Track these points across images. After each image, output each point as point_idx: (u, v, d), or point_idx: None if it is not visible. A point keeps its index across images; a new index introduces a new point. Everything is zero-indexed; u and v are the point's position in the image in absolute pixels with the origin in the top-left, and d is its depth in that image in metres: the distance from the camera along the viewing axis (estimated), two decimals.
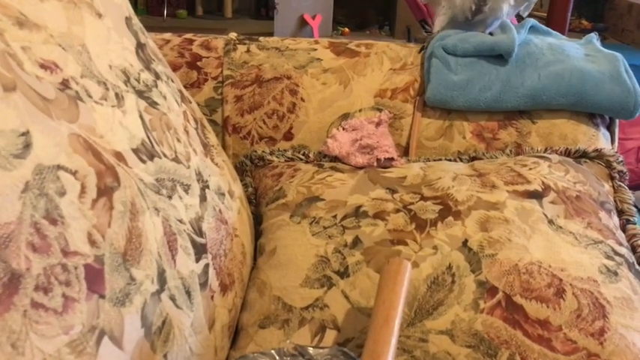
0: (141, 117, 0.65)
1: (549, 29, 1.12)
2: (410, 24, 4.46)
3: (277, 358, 0.49)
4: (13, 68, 0.50)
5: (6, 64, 0.50)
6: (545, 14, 2.40)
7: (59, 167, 0.49)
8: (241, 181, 0.93)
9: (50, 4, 0.61)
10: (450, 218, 0.75)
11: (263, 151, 0.98)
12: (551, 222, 0.76)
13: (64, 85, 0.55)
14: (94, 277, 0.48)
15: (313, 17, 4.88)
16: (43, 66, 0.55)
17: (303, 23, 4.86)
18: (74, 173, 0.50)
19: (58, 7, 0.62)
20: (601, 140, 0.99)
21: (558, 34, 1.12)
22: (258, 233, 0.85)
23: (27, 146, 0.47)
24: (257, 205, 0.92)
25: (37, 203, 0.45)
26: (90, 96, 0.58)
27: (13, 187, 0.44)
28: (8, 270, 0.41)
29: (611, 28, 5.18)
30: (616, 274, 0.70)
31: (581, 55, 1.03)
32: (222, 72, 1.01)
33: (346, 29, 5.07)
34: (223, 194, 0.77)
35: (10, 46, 0.52)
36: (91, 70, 0.61)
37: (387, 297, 0.55)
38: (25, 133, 0.47)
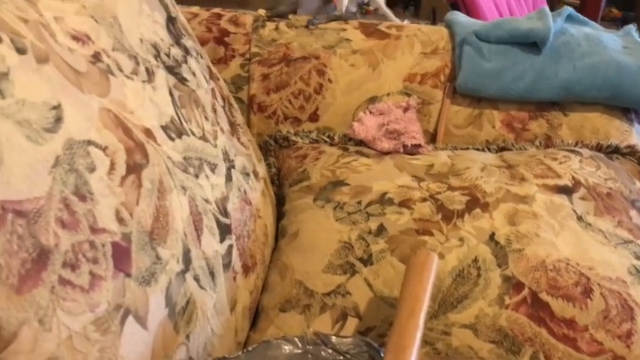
0: (170, 93, 0.64)
1: (586, 19, 1.09)
2: (435, 5, 4.39)
3: (300, 345, 0.48)
4: (46, 39, 0.49)
5: (39, 35, 0.49)
6: (578, 1, 2.34)
7: (89, 142, 0.48)
8: (265, 160, 0.92)
9: None
10: (478, 210, 0.74)
11: (288, 132, 0.97)
12: (580, 219, 0.75)
13: (96, 58, 0.55)
14: (121, 255, 0.48)
15: None
16: (75, 37, 0.54)
17: (327, 0, 4.81)
18: (104, 149, 0.49)
19: None
20: (634, 136, 0.97)
21: (595, 24, 1.09)
22: (280, 214, 0.85)
23: (58, 120, 0.46)
24: (280, 185, 0.91)
25: (66, 179, 0.45)
26: (121, 70, 0.57)
27: (44, 161, 0.43)
28: (37, 245, 0.41)
29: None
30: None
31: (619, 48, 1.00)
32: (249, 49, 0.99)
33: (370, 8, 5.01)
34: (248, 174, 0.76)
35: (43, 15, 0.51)
36: (122, 44, 0.60)
37: (414, 290, 0.54)
38: (57, 107, 0.46)
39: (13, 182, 0.40)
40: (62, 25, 0.53)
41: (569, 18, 1.07)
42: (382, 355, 0.49)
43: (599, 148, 0.92)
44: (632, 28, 1.07)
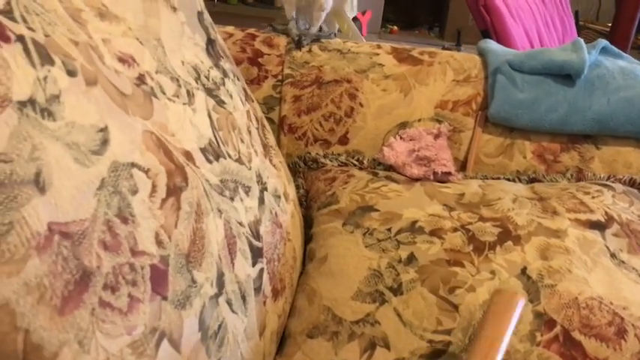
0: (209, 116, 0.64)
1: (621, 52, 1.08)
2: (460, 27, 4.39)
3: None
4: (95, 61, 0.50)
5: (89, 57, 0.50)
6: (608, 29, 2.32)
7: (133, 165, 0.49)
8: (293, 181, 0.92)
9: None
10: (510, 243, 0.73)
11: (317, 154, 0.97)
12: (613, 255, 0.73)
13: (140, 80, 0.55)
14: (159, 278, 0.48)
15: (363, 13, 4.86)
16: (121, 60, 0.54)
17: (352, 19, 4.84)
18: (146, 172, 0.50)
19: None
20: None
21: (630, 57, 1.08)
22: (307, 237, 0.85)
23: (104, 142, 0.47)
24: (308, 207, 0.91)
25: (110, 201, 0.45)
26: (163, 92, 0.58)
27: (90, 183, 0.44)
28: (80, 267, 0.41)
29: None
30: None
31: None
32: (282, 70, 1.00)
33: (395, 27, 5.02)
34: (279, 197, 0.77)
35: (92, 38, 0.52)
36: (165, 66, 0.61)
37: (491, 333, 0.52)
38: (104, 129, 0.47)
39: (61, 204, 0.41)
40: (109, 47, 0.54)
41: (604, 50, 1.06)
42: None
43: (632, 183, 0.91)
44: None
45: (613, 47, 1.08)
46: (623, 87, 0.97)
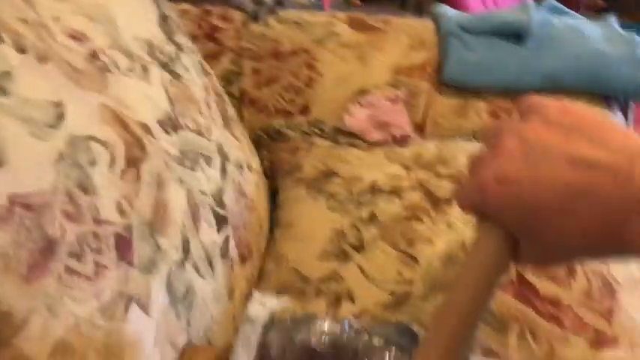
0: (165, 89, 0.65)
1: (568, 10, 1.12)
2: None
3: (345, 328, 0.50)
4: (46, 39, 0.51)
5: (39, 35, 0.50)
6: None
7: (90, 138, 0.50)
8: (257, 154, 0.94)
9: None
10: None
11: (279, 125, 0.99)
12: None
13: (93, 56, 0.56)
14: (123, 245, 0.50)
15: None
16: (73, 37, 0.55)
17: None
18: (104, 144, 0.51)
19: None
20: None
21: (577, 15, 1.12)
22: (273, 205, 0.87)
23: (60, 117, 0.48)
24: (273, 178, 0.93)
25: (70, 173, 0.47)
26: (117, 67, 0.59)
27: (48, 156, 0.45)
28: (44, 237, 0.43)
29: (625, 5, 5.09)
30: None
31: (600, 37, 1.03)
32: (240, 44, 1.01)
33: (356, 1, 5.02)
34: (242, 167, 0.78)
35: (41, 16, 0.53)
36: (118, 42, 0.62)
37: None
38: (59, 104, 0.48)
39: (20, 177, 0.42)
40: (60, 24, 0.55)
41: (552, 9, 1.09)
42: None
43: None
44: (611, 18, 1.10)
45: (560, 6, 1.12)
46: (572, 44, 1.00)
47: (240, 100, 1.01)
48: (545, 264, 0.44)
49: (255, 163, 0.87)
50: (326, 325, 0.49)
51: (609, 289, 0.66)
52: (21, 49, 0.47)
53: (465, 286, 0.36)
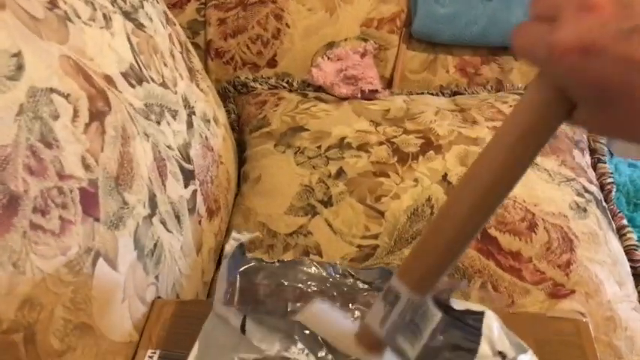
0: (129, 39, 0.63)
1: None
2: None
3: (329, 271, 0.50)
4: None
5: None
6: None
7: (52, 90, 0.48)
8: (224, 107, 0.93)
9: None
10: (431, 152, 0.77)
11: (246, 78, 0.98)
12: None
13: (52, 4, 0.54)
14: (89, 201, 0.49)
15: None
16: None
17: None
18: (66, 96, 0.50)
19: None
20: None
21: None
22: (241, 160, 0.86)
23: (19, 68, 0.46)
24: (240, 132, 0.92)
25: (32, 126, 0.45)
26: (78, 16, 0.57)
27: (8, 109, 0.44)
28: (7, 192, 0.42)
29: None
30: (585, 210, 0.74)
31: None
32: None
33: None
34: (209, 121, 0.77)
35: None
36: None
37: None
38: (17, 54, 0.46)
39: None
40: None
41: None
42: None
43: None
44: None
45: None
46: None
47: (206, 51, 0.99)
48: (608, 135, 0.37)
49: (222, 116, 0.86)
50: (313, 268, 0.50)
51: (568, 243, 0.69)
52: None
53: (501, 146, 0.31)
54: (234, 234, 0.48)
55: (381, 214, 0.70)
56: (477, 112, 0.85)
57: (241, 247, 0.49)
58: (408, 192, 0.72)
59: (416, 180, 0.73)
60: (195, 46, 0.97)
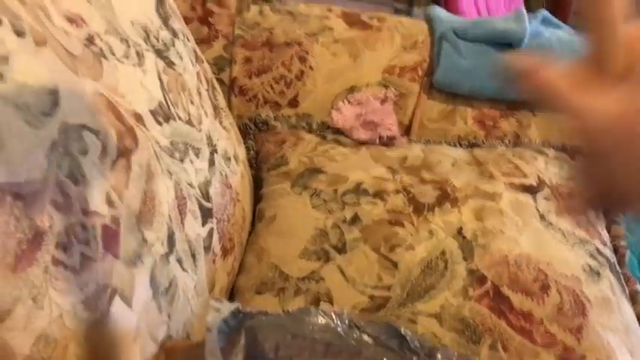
0: (159, 77, 0.65)
1: (560, 22, 1.13)
2: None
3: (336, 321, 0.50)
4: (43, 21, 0.50)
5: (37, 17, 0.49)
6: None
7: (83, 127, 0.49)
8: (244, 143, 0.94)
9: None
10: (447, 204, 0.77)
11: (267, 116, 0.99)
12: (542, 217, 0.79)
13: (90, 41, 0.55)
14: (110, 238, 0.50)
15: None
16: (70, 20, 0.54)
17: None
18: (96, 133, 0.51)
19: None
20: None
21: (568, 27, 1.13)
22: (257, 197, 0.87)
23: (55, 104, 0.47)
24: (257, 169, 0.93)
25: (61, 162, 0.46)
26: (113, 53, 0.58)
27: (41, 145, 0.45)
28: (33, 226, 0.42)
29: None
30: (598, 274, 0.73)
31: None
32: (233, 31, 1.00)
33: None
34: (229, 158, 0.78)
35: None
36: (115, 27, 0.61)
37: None
38: (54, 91, 0.47)
39: (13, 165, 0.42)
40: (57, 6, 0.53)
41: (544, 20, 1.11)
42: (410, 342, 0.49)
43: (564, 148, 0.97)
44: None
45: (553, 18, 1.13)
46: (560, 57, 1.01)
47: (230, 88, 1.00)
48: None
49: (242, 153, 0.87)
50: (319, 318, 0.49)
51: (580, 307, 0.68)
52: (19, 32, 0.46)
53: None
54: (213, 302, 0.46)
55: (395, 264, 0.70)
56: (494, 167, 0.86)
57: (229, 320, 0.47)
58: (422, 244, 0.72)
59: (431, 232, 0.73)
60: (220, 82, 0.99)
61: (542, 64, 0.30)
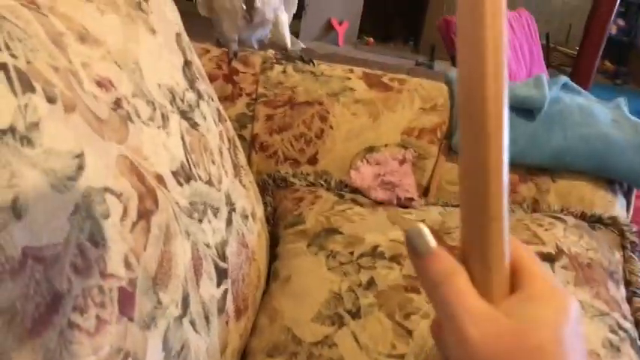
0: (182, 138, 0.66)
1: (580, 89, 1.14)
2: (435, 42, 4.48)
3: None
4: (74, 87, 0.52)
5: (68, 83, 0.51)
6: (576, 52, 2.41)
7: (106, 190, 0.50)
8: (262, 199, 0.95)
9: (110, 19, 0.63)
10: None
11: (286, 173, 1.00)
12: None
13: (117, 104, 0.57)
14: (126, 300, 0.50)
15: (340, 23, 4.91)
16: (99, 84, 0.56)
17: (329, 28, 4.88)
18: (119, 196, 0.52)
19: (116, 21, 0.64)
20: (617, 207, 1.01)
21: (589, 94, 1.14)
22: (272, 254, 0.87)
23: (80, 168, 0.48)
24: (274, 225, 0.93)
25: (83, 225, 0.47)
26: (139, 116, 0.60)
27: (64, 209, 0.46)
28: (51, 290, 0.43)
29: (634, 72, 5.21)
30: (618, 350, 0.72)
31: (609, 121, 1.05)
32: (256, 89, 1.03)
33: (371, 39, 5.09)
34: (247, 217, 0.79)
35: (72, 62, 0.54)
36: (142, 89, 0.63)
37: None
38: (80, 155, 0.49)
39: (36, 229, 0.43)
40: (88, 71, 0.56)
41: (564, 86, 1.12)
42: None
43: (583, 216, 0.96)
44: (621, 101, 1.12)
45: (573, 84, 1.14)
46: (581, 124, 1.02)
47: (251, 144, 1.02)
48: None
49: (260, 211, 0.88)
50: None
51: None
52: (50, 99, 0.48)
53: None
54: None
55: (410, 332, 0.69)
56: (512, 234, 0.85)
57: None
58: None
59: None
60: (241, 138, 1.01)
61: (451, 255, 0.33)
